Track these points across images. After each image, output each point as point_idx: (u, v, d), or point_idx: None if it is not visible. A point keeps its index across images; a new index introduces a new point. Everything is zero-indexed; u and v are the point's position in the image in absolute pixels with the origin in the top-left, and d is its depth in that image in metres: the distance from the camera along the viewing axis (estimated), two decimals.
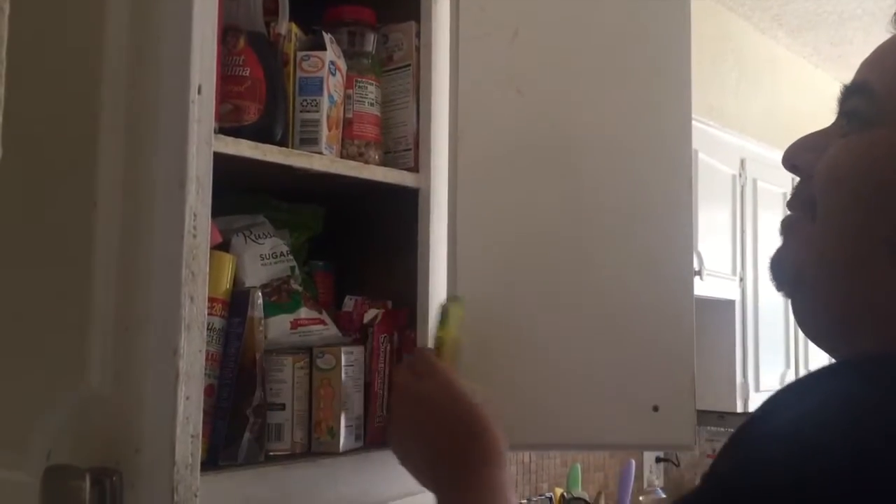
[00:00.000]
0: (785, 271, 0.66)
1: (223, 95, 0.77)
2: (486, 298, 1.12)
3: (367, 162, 1.10)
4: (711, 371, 2.58)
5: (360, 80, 1.11)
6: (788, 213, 0.69)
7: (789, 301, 0.67)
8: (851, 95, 0.64)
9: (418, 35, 1.15)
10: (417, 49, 1.15)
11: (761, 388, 2.69)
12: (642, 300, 1.10)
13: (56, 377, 0.55)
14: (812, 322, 0.66)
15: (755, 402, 2.58)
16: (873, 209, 0.60)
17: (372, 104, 1.13)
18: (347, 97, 1.10)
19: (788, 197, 0.68)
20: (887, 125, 0.60)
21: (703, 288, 2.39)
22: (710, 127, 2.44)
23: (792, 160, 0.67)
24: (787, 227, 0.67)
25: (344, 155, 1.09)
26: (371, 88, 1.13)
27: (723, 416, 2.73)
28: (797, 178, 0.68)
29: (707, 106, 2.67)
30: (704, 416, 2.69)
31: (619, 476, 2.62)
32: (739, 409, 2.59)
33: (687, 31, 1.17)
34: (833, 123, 0.66)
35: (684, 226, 1.15)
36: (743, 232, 2.77)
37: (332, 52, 1.04)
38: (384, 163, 1.13)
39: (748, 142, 2.70)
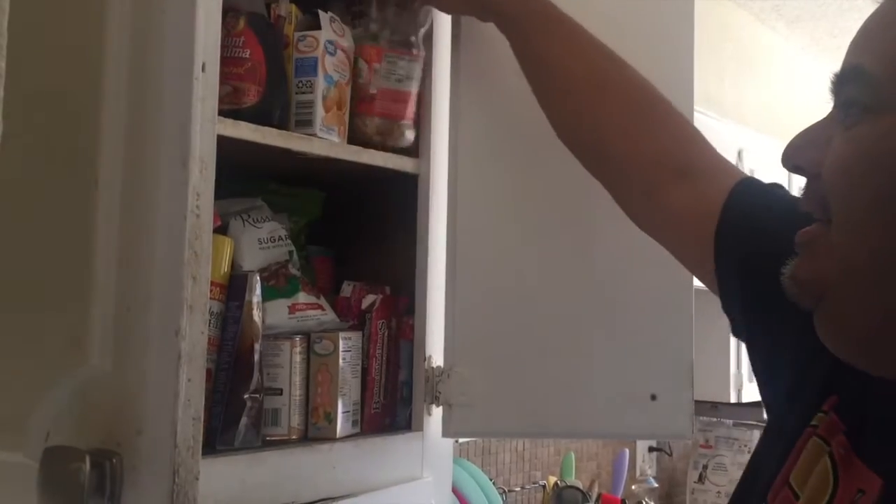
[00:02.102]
0: (806, 287, 0.59)
1: (222, 77, 0.75)
2: (486, 285, 1.11)
3: (389, 140, 1.09)
4: (705, 361, 2.59)
5: (389, 54, 1.10)
6: (805, 223, 0.61)
7: (814, 318, 0.60)
8: (846, 83, 0.58)
9: None
10: None
11: (754, 378, 2.70)
12: (642, 289, 1.10)
13: (56, 357, 0.55)
14: (843, 340, 0.59)
15: (749, 393, 2.59)
16: None
17: (400, 80, 1.11)
18: (375, 71, 1.08)
19: (801, 196, 0.61)
20: (893, 110, 0.54)
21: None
22: (707, 117, 2.44)
23: (794, 160, 0.60)
24: (803, 241, 0.60)
25: (358, 133, 1.07)
26: (402, 63, 1.11)
27: (716, 406, 2.74)
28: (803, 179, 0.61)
29: (705, 96, 2.66)
30: (698, 406, 2.69)
31: (612, 465, 2.62)
32: (733, 400, 2.60)
33: (690, 21, 1.16)
34: (829, 115, 0.60)
35: None
36: None
37: (329, 32, 1.03)
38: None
39: (746, 132, 2.70)
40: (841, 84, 0.58)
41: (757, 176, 0.86)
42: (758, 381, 0.78)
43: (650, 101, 0.93)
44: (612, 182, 0.94)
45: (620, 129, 0.91)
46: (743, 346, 0.82)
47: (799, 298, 0.60)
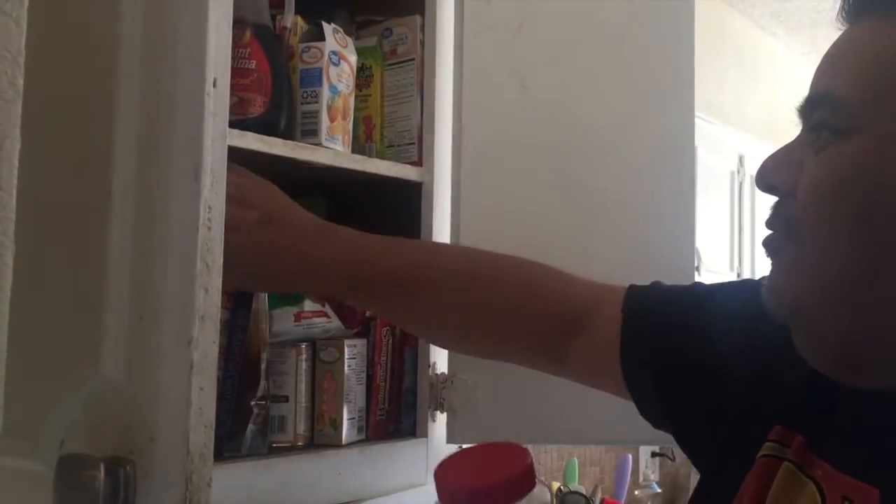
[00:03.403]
0: (782, 300, 0.62)
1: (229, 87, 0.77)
2: None
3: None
4: None
5: None
6: (769, 233, 0.65)
7: (792, 333, 0.63)
8: (817, 107, 0.60)
9: (423, 29, 1.15)
10: (422, 43, 1.15)
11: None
12: None
13: (70, 366, 0.56)
14: (821, 352, 0.61)
15: None
16: (873, 222, 0.56)
17: None
18: None
19: (769, 215, 0.64)
20: (865, 132, 0.57)
21: None
22: (708, 123, 2.45)
23: (768, 180, 0.63)
24: (772, 248, 0.63)
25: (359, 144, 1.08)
26: None
27: None
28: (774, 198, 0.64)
29: (706, 102, 2.67)
30: None
31: (615, 470, 2.63)
32: None
33: (690, 27, 1.17)
34: (799, 137, 0.63)
35: (686, 222, 1.15)
36: (741, 228, 2.78)
37: (333, 42, 1.04)
38: (388, 156, 1.14)
39: (746, 138, 2.71)
40: (811, 108, 0.61)
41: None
42: (691, 455, 0.79)
43: (496, 277, 0.91)
44: (522, 359, 0.95)
45: (492, 322, 0.90)
46: None
47: (776, 309, 0.62)
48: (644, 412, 0.82)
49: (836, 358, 0.61)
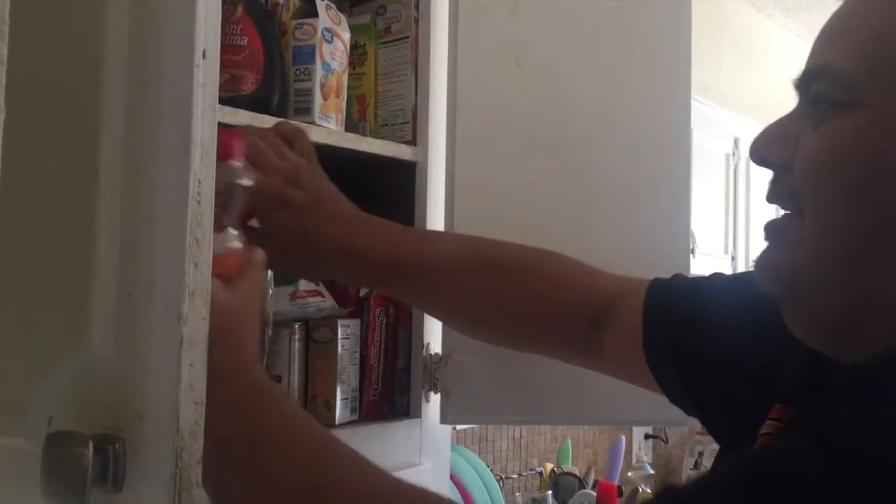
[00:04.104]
0: (778, 276, 0.62)
1: (220, 64, 0.76)
2: None
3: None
4: None
5: None
6: (773, 211, 0.64)
7: (782, 307, 0.63)
8: (814, 81, 0.60)
9: (417, 6, 1.14)
10: (416, 21, 1.14)
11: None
12: (639, 276, 1.10)
13: (57, 342, 0.55)
14: (813, 325, 0.62)
15: None
16: (873, 196, 0.56)
17: None
18: None
19: (768, 190, 0.64)
20: (864, 105, 0.57)
21: (695, 266, 2.39)
22: (704, 105, 2.44)
23: (763, 154, 0.63)
24: (773, 230, 0.63)
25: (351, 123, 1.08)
26: None
27: None
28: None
29: (701, 84, 2.66)
30: None
31: (608, 452, 2.64)
32: None
33: (687, 8, 1.16)
34: (795, 110, 0.62)
35: (682, 204, 1.15)
36: (735, 211, 2.78)
37: (326, 19, 1.03)
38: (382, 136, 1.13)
39: (743, 120, 2.70)
40: (809, 82, 0.61)
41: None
42: (718, 440, 0.80)
43: (529, 269, 0.92)
44: (553, 352, 0.96)
45: (524, 314, 0.91)
46: None
47: (769, 287, 0.63)
48: (674, 401, 0.84)
49: (829, 331, 0.61)
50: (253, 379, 0.62)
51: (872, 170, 0.56)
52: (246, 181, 0.68)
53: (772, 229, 0.63)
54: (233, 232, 0.68)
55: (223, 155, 0.62)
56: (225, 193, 0.64)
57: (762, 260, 0.63)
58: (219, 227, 0.59)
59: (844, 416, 0.52)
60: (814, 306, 0.61)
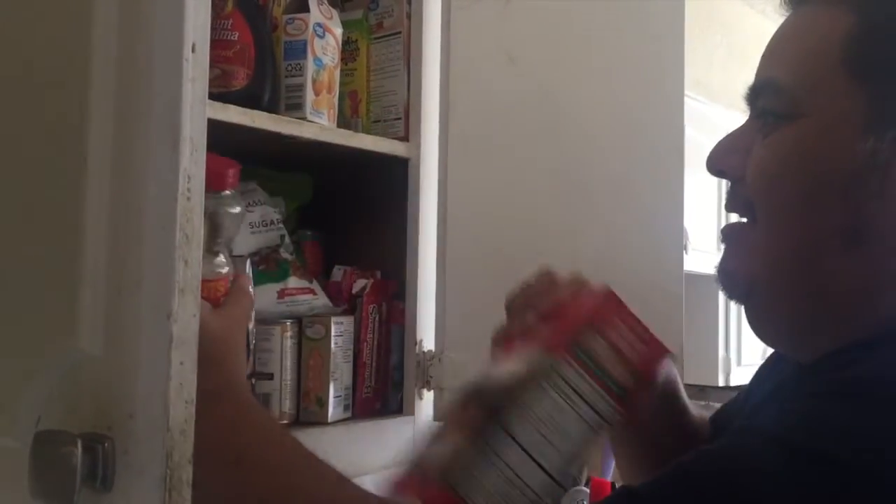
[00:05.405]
0: (736, 282, 0.65)
1: (211, 60, 0.75)
2: (476, 269, 1.11)
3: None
4: (694, 345, 2.60)
5: None
6: (729, 217, 0.67)
7: (745, 310, 0.66)
8: (761, 95, 0.63)
9: (409, 1, 1.13)
10: (408, 16, 1.13)
11: (743, 362, 2.72)
12: (632, 275, 1.10)
13: (46, 340, 0.54)
14: (771, 328, 0.65)
15: (737, 377, 2.60)
16: (819, 201, 0.59)
17: None
18: None
19: (726, 199, 0.67)
20: (806, 115, 0.60)
21: (687, 262, 2.39)
22: (697, 101, 2.44)
23: (717, 165, 0.66)
24: (729, 234, 0.66)
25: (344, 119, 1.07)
26: None
27: (703, 390, 2.74)
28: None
29: (694, 80, 2.66)
30: (687, 390, 2.69)
31: (601, 449, 2.64)
32: (721, 384, 2.61)
33: (681, 4, 1.16)
34: (746, 123, 0.65)
35: (675, 200, 1.15)
36: None
37: (318, 14, 1.02)
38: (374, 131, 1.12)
39: (735, 117, 2.70)
40: (756, 96, 0.64)
41: None
42: None
43: None
44: None
45: None
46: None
47: (729, 292, 0.66)
48: None
49: (784, 333, 0.64)
50: (239, 399, 0.63)
51: (816, 176, 0.59)
52: (235, 209, 0.68)
53: (729, 234, 0.66)
54: (221, 259, 0.68)
55: (216, 185, 0.63)
56: (214, 220, 0.65)
57: (721, 265, 0.66)
58: (208, 252, 0.60)
59: (791, 412, 0.54)
60: (771, 310, 0.63)
